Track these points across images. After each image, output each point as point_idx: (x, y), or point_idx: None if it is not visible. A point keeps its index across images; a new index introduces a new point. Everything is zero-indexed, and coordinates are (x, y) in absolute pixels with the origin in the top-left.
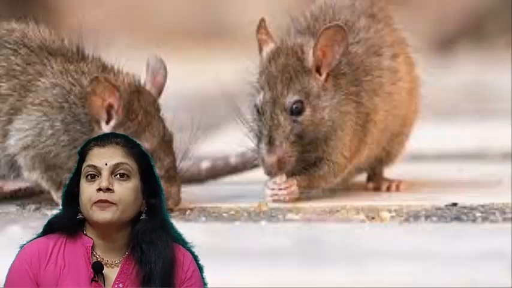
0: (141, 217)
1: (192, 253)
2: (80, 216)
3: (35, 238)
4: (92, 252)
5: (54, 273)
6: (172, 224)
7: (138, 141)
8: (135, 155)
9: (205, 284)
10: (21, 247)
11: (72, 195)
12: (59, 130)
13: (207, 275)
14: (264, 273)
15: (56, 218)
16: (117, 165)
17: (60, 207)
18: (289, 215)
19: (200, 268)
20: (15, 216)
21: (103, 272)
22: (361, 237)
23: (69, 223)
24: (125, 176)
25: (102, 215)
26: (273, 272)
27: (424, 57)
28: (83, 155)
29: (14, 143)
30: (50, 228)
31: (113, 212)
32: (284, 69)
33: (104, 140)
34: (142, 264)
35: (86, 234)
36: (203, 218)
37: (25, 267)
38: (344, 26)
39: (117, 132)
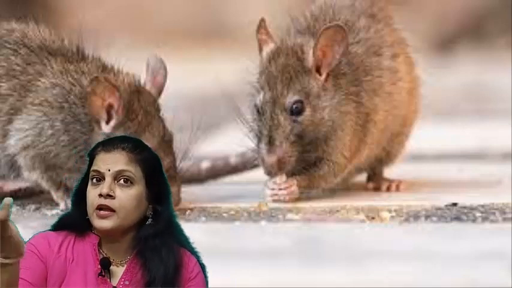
0: (148, 221)
1: (197, 257)
2: (88, 216)
3: (45, 231)
4: (98, 250)
5: (64, 265)
6: (179, 227)
7: (148, 145)
8: (141, 160)
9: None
10: (30, 239)
11: (81, 196)
12: (59, 130)
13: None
14: (264, 273)
15: (66, 215)
16: (119, 172)
17: (63, 207)
18: (289, 215)
19: (204, 271)
20: (15, 216)
21: (109, 268)
22: (361, 237)
23: (78, 222)
24: (128, 182)
25: (101, 224)
26: (273, 272)
27: (424, 57)
28: (91, 158)
29: (14, 143)
30: (60, 225)
31: (113, 221)
32: (284, 69)
33: (110, 145)
34: (146, 270)
35: (93, 233)
36: (203, 218)
37: (34, 249)
38: (344, 26)
39: (125, 134)
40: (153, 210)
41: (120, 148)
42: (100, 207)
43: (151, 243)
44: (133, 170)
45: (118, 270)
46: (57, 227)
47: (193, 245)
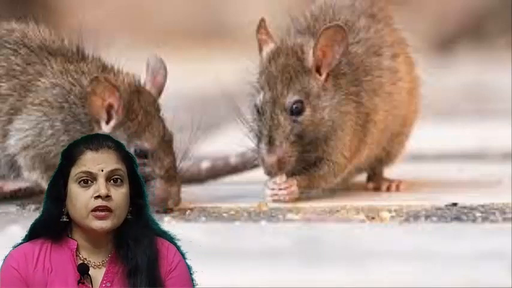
0: (127, 217)
1: (177, 247)
2: (63, 218)
3: (20, 244)
4: (77, 255)
5: (43, 277)
6: (156, 221)
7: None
8: (125, 158)
9: (193, 284)
10: (7, 255)
11: (55, 197)
12: (59, 130)
13: (207, 274)
14: (264, 273)
15: (39, 222)
16: (112, 172)
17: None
18: (289, 215)
19: (186, 263)
20: (15, 216)
21: (89, 273)
22: (361, 237)
23: (53, 226)
24: (119, 181)
25: (101, 225)
26: (273, 272)
27: (424, 57)
28: (72, 158)
29: (14, 143)
30: (34, 233)
31: (111, 220)
32: (284, 69)
33: (96, 143)
34: (128, 260)
35: (70, 237)
36: (203, 218)
37: (14, 270)
38: (344, 26)
39: (109, 134)
40: (132, 207)
41: (106, 147)
42: (97, 209)
43: (132, 235)
44: (123, 168)
45: (99, 273)
46: (31, 235)
47: (175, 237)
